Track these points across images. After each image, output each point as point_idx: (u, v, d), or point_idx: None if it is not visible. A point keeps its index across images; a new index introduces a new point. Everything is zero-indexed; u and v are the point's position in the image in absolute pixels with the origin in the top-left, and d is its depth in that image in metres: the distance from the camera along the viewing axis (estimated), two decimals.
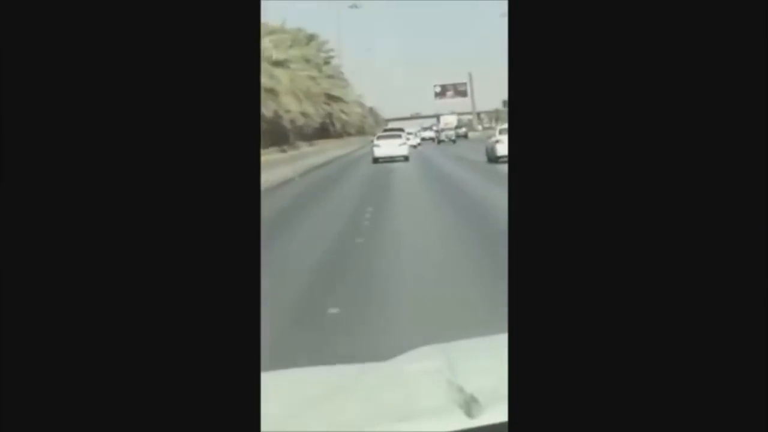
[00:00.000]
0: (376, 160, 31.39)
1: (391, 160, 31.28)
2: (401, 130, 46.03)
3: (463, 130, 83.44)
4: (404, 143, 32.42)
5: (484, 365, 1.65)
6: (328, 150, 45.63)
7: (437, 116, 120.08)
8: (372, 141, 35.77)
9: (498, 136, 26.35)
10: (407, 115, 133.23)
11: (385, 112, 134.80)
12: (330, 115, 62.53)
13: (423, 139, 69.60)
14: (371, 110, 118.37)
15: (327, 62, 67.39)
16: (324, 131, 58.33)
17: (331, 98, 62.39)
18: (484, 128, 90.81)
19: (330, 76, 66.06)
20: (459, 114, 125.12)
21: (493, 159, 26.03)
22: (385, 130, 44.24)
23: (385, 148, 31.75)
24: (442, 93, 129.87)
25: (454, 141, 64.76)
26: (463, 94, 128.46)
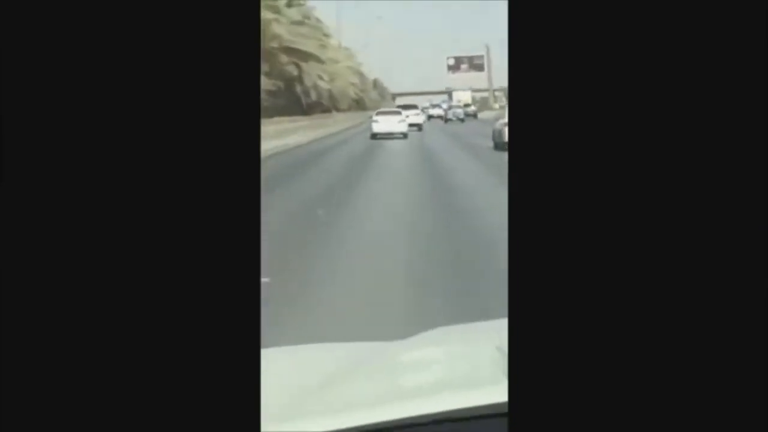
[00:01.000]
0: (374, 136, 33.49)
1: (389, 136, 33.23)
2: (414, 106, 48.53)
3: (472, 108, 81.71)
4: (402, 120, 34.80)
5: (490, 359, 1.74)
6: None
7: (449, 92, 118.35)
8: (371, 117, 37.62)
9: (507, 118, 23.21)
10: (418, 89, 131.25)
11: (394, 86, 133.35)
12: (299, 80, 46.55)
13: (430, 116, 67.72)
14: (376, 83, 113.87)
15: (294, 3, 48.89)
16: (291, 105, 43.27)
17: (296, 54, 45.80)
18: (501, 107, 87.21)
19: (298, 23, 48.22)
20: (475, 90, 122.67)
21: (500, 146, 23.03)
22: (399, 106, 47.10)
23: (384, 124, 34.18)
24: (455, 66, 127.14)
25: (462, 120, 63.23)
26: (479, 68, 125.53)
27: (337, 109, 63.52)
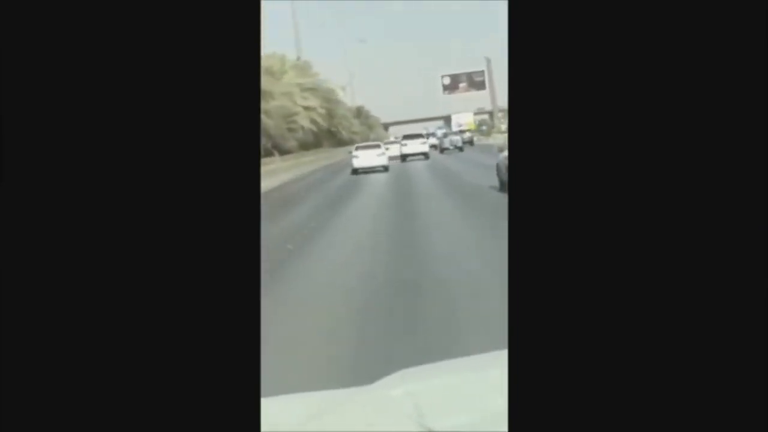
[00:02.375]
0: (355, 171, 36.17)
1: (371, 170, 36.03)
2: (420, 135, 49.77)
3: (468, 134, 76.03)
4: (382, 153, 38.00)
5: (467, 392, 1.83)
6: None
7: (445, 117, 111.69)
8: (350, 152, 39.74)
9: None
10: (412, 117, 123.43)
11: (385, 115, 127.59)
12: None
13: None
14: (360, 111, 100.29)
15: None
16: None
17: None
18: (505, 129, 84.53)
19: None
20: (476, 113, 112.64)
21: (506, 185, 14.74)
22: (405, 136, 48.57)
23: (364, 159, 37.29)
24: (452, 85, 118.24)
25: (461, 149, 59.71)
26: (480, 85, 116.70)
27: (280, 150, 48.22)
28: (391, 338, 6.49)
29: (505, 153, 19.05)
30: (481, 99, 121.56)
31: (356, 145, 42.54)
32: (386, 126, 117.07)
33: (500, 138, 59.67)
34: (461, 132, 76.91)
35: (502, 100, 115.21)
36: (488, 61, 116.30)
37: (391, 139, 51.69)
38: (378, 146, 40.39)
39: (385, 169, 36.33)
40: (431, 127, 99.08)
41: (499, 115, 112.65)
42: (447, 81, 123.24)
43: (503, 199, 15.60)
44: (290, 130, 51.15)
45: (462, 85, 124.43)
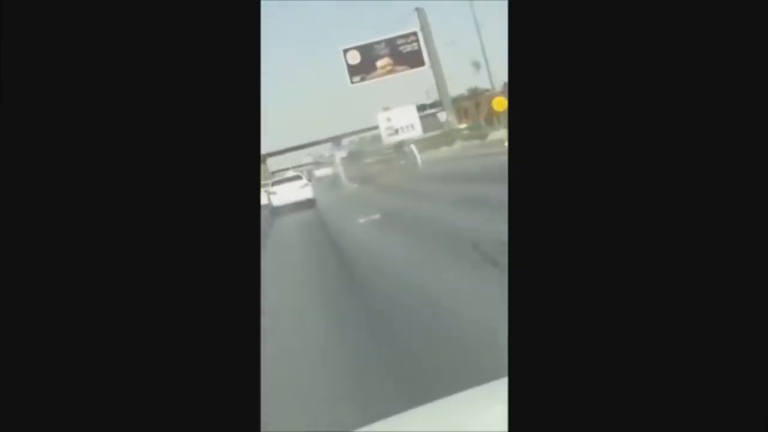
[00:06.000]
0: (275, 211, 33.11)
1: (296, 208, 32.84)
2: (297, 177, 38.53)
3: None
4: (306, 185, 35.22)
5: None
6: None
7: (335, 138, 65.54)
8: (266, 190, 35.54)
9: None
10: (300, 141, 78.20)
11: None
12: None
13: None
14: None
15: None
16: None
17: None
18: (470, 131, 58.08)
19: None
20: (422, 107, 68.62)
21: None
22: (275, 182, 37.90)
23: (284, 194, 34.53)
24: (364, 65, 68.51)
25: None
26: (415, 59, 69.94)
27: None
28: None
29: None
30: (419, 81, 76.85)
31: (272, 180, 38.47)
32: (264, 158, 73.17)
33: (458, 146, 41.41)
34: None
35: (460, 77, 76.63)
36: (420, 13, 71.87)
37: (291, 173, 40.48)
38: (299, 177, 36.71)
39: (311, 204, 33.37)
40: (326, 151, 71.24)
41: (468, 104, 74.57)
42: (355, 59, 71.51)
43: None
44: None
45: (381, 61, 71.94)
